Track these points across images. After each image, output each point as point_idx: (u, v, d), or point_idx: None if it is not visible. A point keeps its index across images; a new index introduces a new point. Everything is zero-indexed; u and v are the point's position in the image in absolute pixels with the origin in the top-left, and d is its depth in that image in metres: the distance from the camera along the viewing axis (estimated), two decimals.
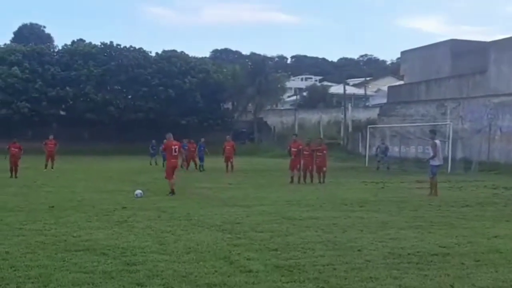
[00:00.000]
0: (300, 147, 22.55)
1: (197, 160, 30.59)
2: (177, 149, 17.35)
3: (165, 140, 17.88)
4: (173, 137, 17.77)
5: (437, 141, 18.18)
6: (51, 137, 29.42)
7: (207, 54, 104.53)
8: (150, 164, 33.54)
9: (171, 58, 57.59)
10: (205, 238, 9.30)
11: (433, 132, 19.28)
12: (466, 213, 12.99)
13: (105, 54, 56.61)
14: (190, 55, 61.20)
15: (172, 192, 16.65)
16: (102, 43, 57.64)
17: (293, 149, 22.61)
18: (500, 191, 18.68)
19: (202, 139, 31.82)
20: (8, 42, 66.40)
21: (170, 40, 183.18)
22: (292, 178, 22.03)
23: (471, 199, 15.92)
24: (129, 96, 56.34)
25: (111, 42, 57.77)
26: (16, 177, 23.15)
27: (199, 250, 8.30)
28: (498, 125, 32.17)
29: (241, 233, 9.78)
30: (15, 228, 10.15)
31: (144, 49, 58.92)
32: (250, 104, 59.21)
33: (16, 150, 24.16)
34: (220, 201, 15.10)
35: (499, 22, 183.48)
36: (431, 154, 17.78)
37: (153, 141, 34.74)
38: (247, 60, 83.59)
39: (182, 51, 61.36)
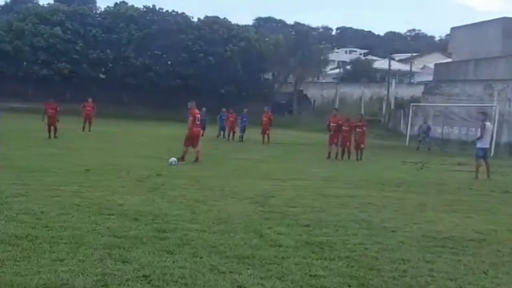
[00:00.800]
0: (340, 122, 22.40)
1: (237, 130, 30.76)
2: (199, 118, 17.47)
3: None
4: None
5: (488, 123, 17.82)
6: (89, 100, 29.85)
7: (250, 22, 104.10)
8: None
9: (213, 24, 57.57)
10: (237, 209, 9.39)
11: (484, 114, 18.87)
12: (507, 199, 12.75)
13: (147, 17, 56.98)
14: (233, 22, 61.11)
15: (182, 158, 16.65)
16: (145, 6, 58.04)
17: (332, 124, 22.48)
18: None
19: (245, 110, 31.97)
20: (51, 1, 67.36)
21: (213, 5, 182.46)
22: (329, 153, 21.97)
23: None
24: (169, 62, 56.66)
25: (154, 6, 58.11)
26: (55, 137, 23.65)
27: (230, 221, 8.39)
28: None
29: (274, 207, 9.83)
30: (51, 188, 10.42)
31: (187, 14, 59.11)
32: (291, 76, 58.91)
33: (53, 111, 24.43)
34: (255, 173, 15.17)
35: None
36: (479, 135, 17.40)
37: (203, 108, 34.61)
38: (290, 30, 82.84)
39: (224, 18, 61.25)
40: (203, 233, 7.53)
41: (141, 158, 17.43)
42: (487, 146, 17.85)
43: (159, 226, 7.76)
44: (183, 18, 57.99)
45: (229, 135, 31.05)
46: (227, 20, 60.77)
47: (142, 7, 57.95)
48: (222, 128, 32.45)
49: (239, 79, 55.57)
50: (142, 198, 9.97)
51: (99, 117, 31.49)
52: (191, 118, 17.22)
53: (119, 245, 6.64)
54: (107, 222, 7.83)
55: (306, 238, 7.59)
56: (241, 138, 30.34)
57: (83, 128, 28.48)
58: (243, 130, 30.61)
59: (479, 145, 17.27)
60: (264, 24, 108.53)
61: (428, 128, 32.82)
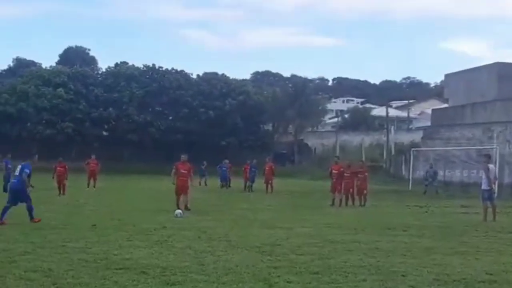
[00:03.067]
0: (342, 169, 22.40)
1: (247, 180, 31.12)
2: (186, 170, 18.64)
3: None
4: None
5: (491, 165, 17.79)
6: (93, 156, 30.10)
7: (248, 77, 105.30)
8: (199, 184, 33.81)
9: (211, 80, 58.40)
10: (245, 259, 9.27)
11: (488, 156, 18.79)
12: None
13: (147, 76, 57.87)
14: (231, 78, 61.92)
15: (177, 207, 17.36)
16: (145, 65, 58.99)
17: (334, 171, 22.47)
18: None
19: (254, 160, 32.34)
20: (54, 64, 68.48)
21: (211, 62, 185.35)
22: (333, 200, 21.87)
23: None
24: (170, 117, 57.29)
25: (153, 65, 59.10)
26: (64, 194, 24.14)
27: (238, 271, 8.26)
28: None
29: (281, 255, 9.71)
30: (58, 245, 10.33)
31: (186, 71, 60.00)
32: (290, 126, 59.27)
33: (62, 169, 25.24)
34: (260, 223, 15.04)
35: None
36: (484, 178, 17.24)
37: (204, 162, 35.59)
38: (287, 82, 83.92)
39: (223, 73, 62.18)
40: (212, 284, 7.42)
41: (146, 212, 17.34)
42: (490, 187, 17.48)
43: (167, 279, 7.65)
44: (183, 75, 58.88)
45: (245, 185, 31.24)
46: (225, 75, 61.67)
47: (142, 66, 58.90)
48: (224, 179, 32.69)
49: (239, 131, 55.99)
50: (149, 251, 9.87)
51: (102, 173, 31.50)
52: (173, 171, 18.80)
53: None
54: (115, 277, 7.72)
55: (316, 285, 7.49)
56: (251, 189, 30.51)
57: (88, 184, 28.53)
58: (252, 180, 30.85)
59: (484, 187, 17.16)
60: (262, 78, 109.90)
61: (435, 173, 32.84)
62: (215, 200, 23.51)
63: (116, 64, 61.38)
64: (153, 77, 57.77)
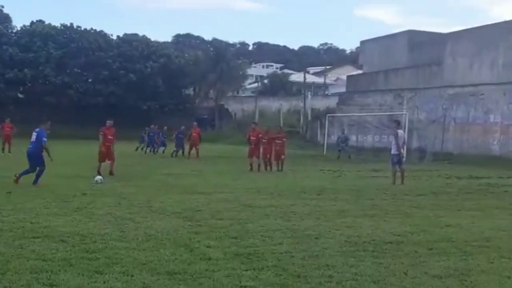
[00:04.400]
0: (260, 135, 22.61)
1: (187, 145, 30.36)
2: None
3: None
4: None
5: (400, 131, 18.40)
6: (7, 120, 28.74)
7: (169, 39, 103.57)
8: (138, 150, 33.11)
9: (132, 41, 56.84)
10: (166, 225, 9.26)
11: (397, 123, 19.47)
12: (420, 202, 13.26)
13: (65, 35, 55.48)
14: (152, 39, 60.61)
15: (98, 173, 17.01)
16: (62, 25, 56.51)
17: (252, 138, 22.66)
18: (453, 181, 19.16)
19: (183, 127, 31.83)
20: None
21: (131, 23, 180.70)
22: (251, 165, 22.10)
23: (425, 189, 16.25)
24: (89, 80, 55.35)
25: (71, 24, 56.69)
26: None
27: (159, 237, 8.26)
28: (452, 116, 32.92)
29: (202, 221, 9.78)
30: None
31: (105, 31, 58.06)
32: (211, 91, 59.01)
33: None
34: (181, 188, 15.03)
35: (455, 14, 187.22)
36: (393, 143, 17.88)
37: (146, 128, 34.04)
38: (209, 46, 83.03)
39: (144, 35, 60.65)
40: (133, 251, 7.37)
41: (65, 178, 16.81)
42: (399, 152, 18.07)
43: (87, 247, 7.53)
44: (102, 36, 56.87)
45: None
46: (146, 37, 60.23)
47: (59, 25, 56.39)
48: (151, 144, 32.15)
49: (161, 95, 55.12)
50: (68, 219, 9.64)
51: (19, 137, 30.22)
52: (101, 137, 18.30)
53: (47, 269, 6.37)
54: (33, 246, 7.50)
55: (235, 249, 7.60)
56: (176, 154, 30.13)
57: (3, 149, 27.33)
58: (181, 146, 30.24)
59: (393, 151, 17.82)
60: (183, 40, 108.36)
61: (346, 138, 33.74)
62: (137, 166, 23.19)
63: (32, 23, 58.19)
64: (71, 37, 55.42)
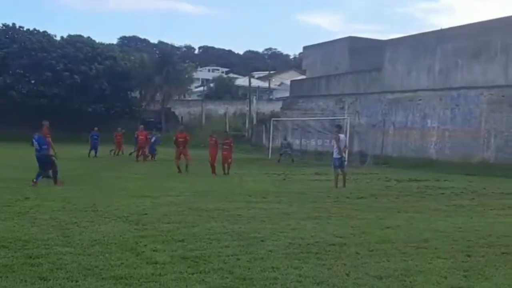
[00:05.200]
0: (188, 138, 23.33)
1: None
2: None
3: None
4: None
5: (341, 135, 18.70)
6: None
7: (115, 41, 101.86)
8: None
9: (76, 43, 55.57)
10: (111, 229, 9.10)
11: (339, 127, 19.85)
12: (361, 204, 13.51)
13: (7, 36, 53.80)
14: (97, 41, 59.51)
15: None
16: (4, 25, 54.81)
17: (179, 140, 23.01)
18: (393, 184, 19.55)
19: (96, 128, 31.98)
20: None
21: (76, 25, 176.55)
22: (178, 168, 22.02)
23: (366, 191, 16.55)
24: (32, 81, 53.78)
25: (14, 24, 55.00)
26: None
27: (105, 242, 8.11)
28: (392, 120, 33.71)
29: (148, 224, 9.66)
30: None
31: (49, 32, 56.64)
32: (158, 94, 58.39)
33: None
34: (127, 192, 14.80)
35: (393, 21, 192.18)
36: (335, 147, 18.16)
37: (95, 128, 33.04)
38: (155, 49, 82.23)
39: (88, 37, 59.44)
40: (78, 256, 7.20)
41: (8, 182, 16.30)
42: (341, 156, 18.33)
43: (30, 252, 7.30)
44: (45, 36, 55.40)
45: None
46: (91, 38, 59.05)
47: (1, 25, 54.62)
48: (94, 147, 31.45)
49: (106, 98, 54.11)
50: (10, 224, 9.33)
51: None
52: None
53: None
54: None
55: (181, 253, 7.54)
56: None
57: None
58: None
59: (335, 155, 18.10)
60: (129, 43, 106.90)
61: (289, 144, 34.10)
62: (82, 169, 22.69)
63: None
64: (13, 37, 53.76)
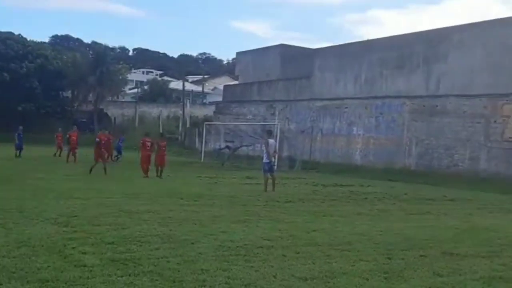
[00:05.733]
0: (108, 139, 23.78)
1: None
2: None
3: None
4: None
5: (271, 140, 18.88)
6: None
7: (46, 40, 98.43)
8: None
9: (6, 40, 53.33)
10: (39, 231, 8.80)
11: (269, 133, 20.09)
12: (289, 208, 13.68)
13: None
14: (28, 39, 57.33)
15: None
16: None
17: (102, 140, 23.21)
18: (319, 188, 19.84)
19: (20, 127, 31.05)
20: None
21: (6, 22, 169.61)
22: (91, 168, 21.74)
23: (294, 195, 16.76)
24: None
25: None
26: None
27: (31, 244, 7.83)
28: (320, 127, 34.35)
29: (77, 226, 9.41)
30: None
31: None
32: (90, 94, 56.89)
33: None
34: (56, 193, 14.34)
35: (322, 31, 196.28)
36: (265, 152, 18.35)
37: (20, 127, 31.76)
38: (88, 49, 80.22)
39: (19, 34, 57.17)
40: (2, 258, 6.92)
41: None
42: (270, 160, 18.36)
43: None
44: None
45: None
46: (22, 36, 56.84)
47: None
48: (19, 147, 30.26)
49: (37, 97, 52.10)
50: None
51: None
52: None
53: None
54: None
55: (110, 255, 7.40)
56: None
57: None
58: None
59: (264, 160, 18.26)
60: (61, 42, 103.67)
61: (228, 147, 34.31)
62: (7, 169, 21.81)
63: None
64: None
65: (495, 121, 25.26)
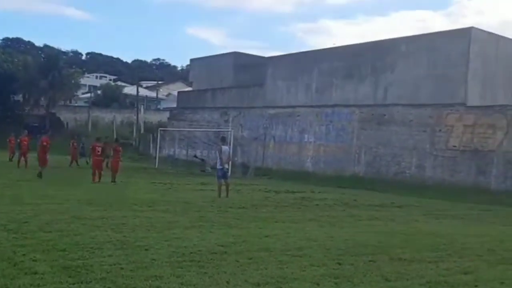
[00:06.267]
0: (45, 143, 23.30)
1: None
2: None
3: None
4: None
5: (224, 147, 18.89)
6: None
7: None
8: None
9: None
10: None
11: (223, 139, 20.14)
12: (242, 214, 13.68)
13: None
14: None
15: None
16: None
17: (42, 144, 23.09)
18: (272, 195, 19.92)
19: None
20: None
21: None
22: (39, 173, 21.62)
23: (247, 201, 16.79)
24: None
25: None
26: None
27: None
28: (272, 134, 34.54)
29: (28, 233, 9.14)
30: None
31: None
32: (42, 98, 55.45)
33: None
34: (6, 199, 13.92)
35: (274, 40, 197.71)
36: (218, 159, 18.37)
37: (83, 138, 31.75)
38: (40, 52, 78.21)
39: None
40: None
41: None
42: (222, 167, 18.33)
43: None
44: None
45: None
46: None
47: None
48: None
49: None
50: None
51: None
52: None
53: None
54: None
55: (62, 262, 7.22)
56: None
57: None
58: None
59: (218, 166, 18.25)
60: (12, 45, 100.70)
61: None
62: None
63: None
64: None
65: (440, 130, 26.01)
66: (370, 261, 8.46)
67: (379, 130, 28.52)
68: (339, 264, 8.12)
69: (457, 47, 25.92)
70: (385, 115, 28.33)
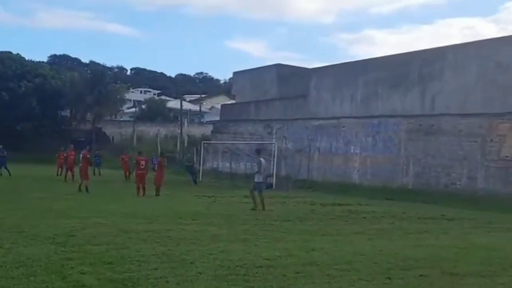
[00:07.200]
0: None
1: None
2: None
3: None
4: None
5: (262, 159, 18.84)
6: None
7: (45, 59, 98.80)
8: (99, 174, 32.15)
9: (5, 60, 53.52)
10: (37, 251, 8.72)
11: (258, 152, 20.05)
12: (287, 227, 13.58)
13: None
14: (27, 59, 57.56)
15: None
16: None
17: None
18: (317, 207, 19.71)
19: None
20: None
21: (4, 41, 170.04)
22: (86, 187, 21.93)
23: (292, 214, 16.66)
24: None
25: None
26: None
27: (30, 264, 7.75)
28: (317, 146, 34.31)
29: (76, 246, 9.33)
30: None
31: None
32: (88, 113, 56.95)
33: None
34: (54, 213, 14.26)
35: (316, 51, 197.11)
36: (256, 171, 18.34)
37: (97, 151, 33.06)
38: (86, 68, 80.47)
39: (17, 53, 57.39)
40: (0, 279, 6.84)
41: None
42: (263, 180, 18.28)
43: None
44: None
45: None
46: (20, 55, 57.06)
47: None
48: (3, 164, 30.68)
49: (36, 116, 52.19)
50: None
51: None
52: None
53: None
54: None
55: (109, 275, 7.32)
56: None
57: None
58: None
59: (256, 179, 18.17)
60: (59, 61, 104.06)
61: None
62: (7, 189, 21.69)
63: None
64: None
65: (491, 140, 25.27)
66: (421, 275, 8.25)
67: (427, 141, 27.93)
68: (389, 278, 7.94)
69: (507, 54, 25.22)
70: (433, 125, 27.74)
